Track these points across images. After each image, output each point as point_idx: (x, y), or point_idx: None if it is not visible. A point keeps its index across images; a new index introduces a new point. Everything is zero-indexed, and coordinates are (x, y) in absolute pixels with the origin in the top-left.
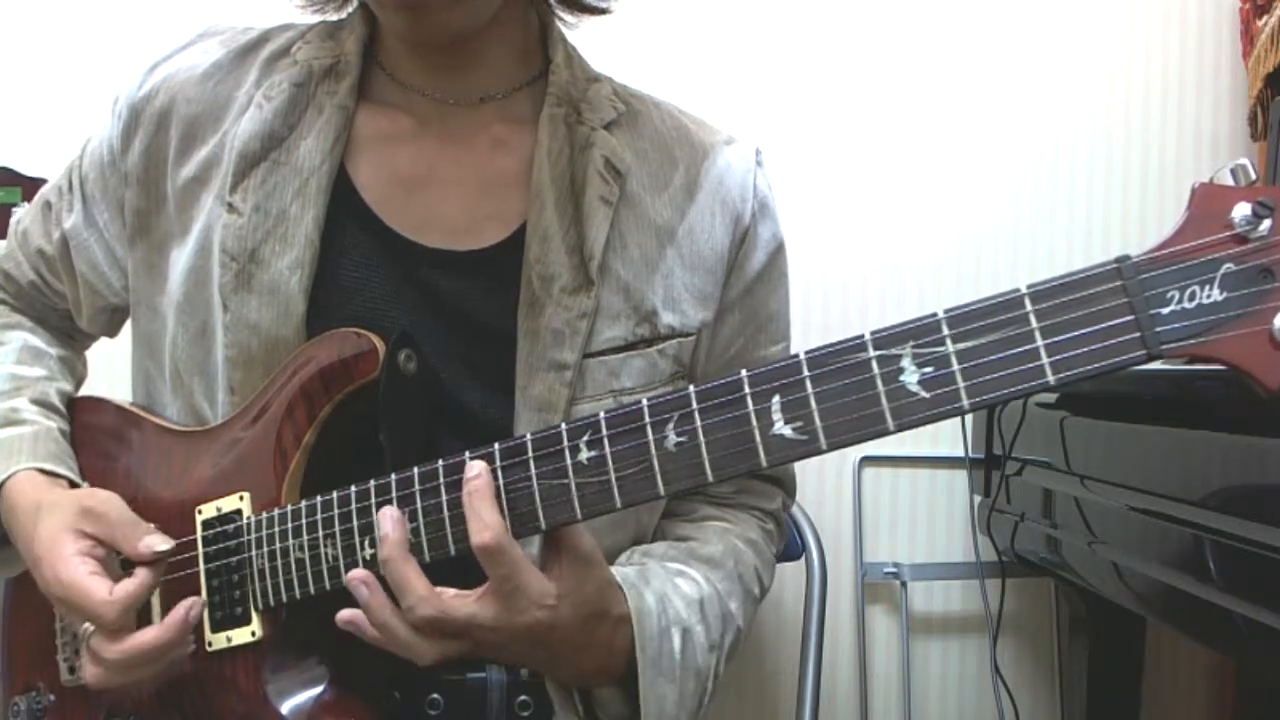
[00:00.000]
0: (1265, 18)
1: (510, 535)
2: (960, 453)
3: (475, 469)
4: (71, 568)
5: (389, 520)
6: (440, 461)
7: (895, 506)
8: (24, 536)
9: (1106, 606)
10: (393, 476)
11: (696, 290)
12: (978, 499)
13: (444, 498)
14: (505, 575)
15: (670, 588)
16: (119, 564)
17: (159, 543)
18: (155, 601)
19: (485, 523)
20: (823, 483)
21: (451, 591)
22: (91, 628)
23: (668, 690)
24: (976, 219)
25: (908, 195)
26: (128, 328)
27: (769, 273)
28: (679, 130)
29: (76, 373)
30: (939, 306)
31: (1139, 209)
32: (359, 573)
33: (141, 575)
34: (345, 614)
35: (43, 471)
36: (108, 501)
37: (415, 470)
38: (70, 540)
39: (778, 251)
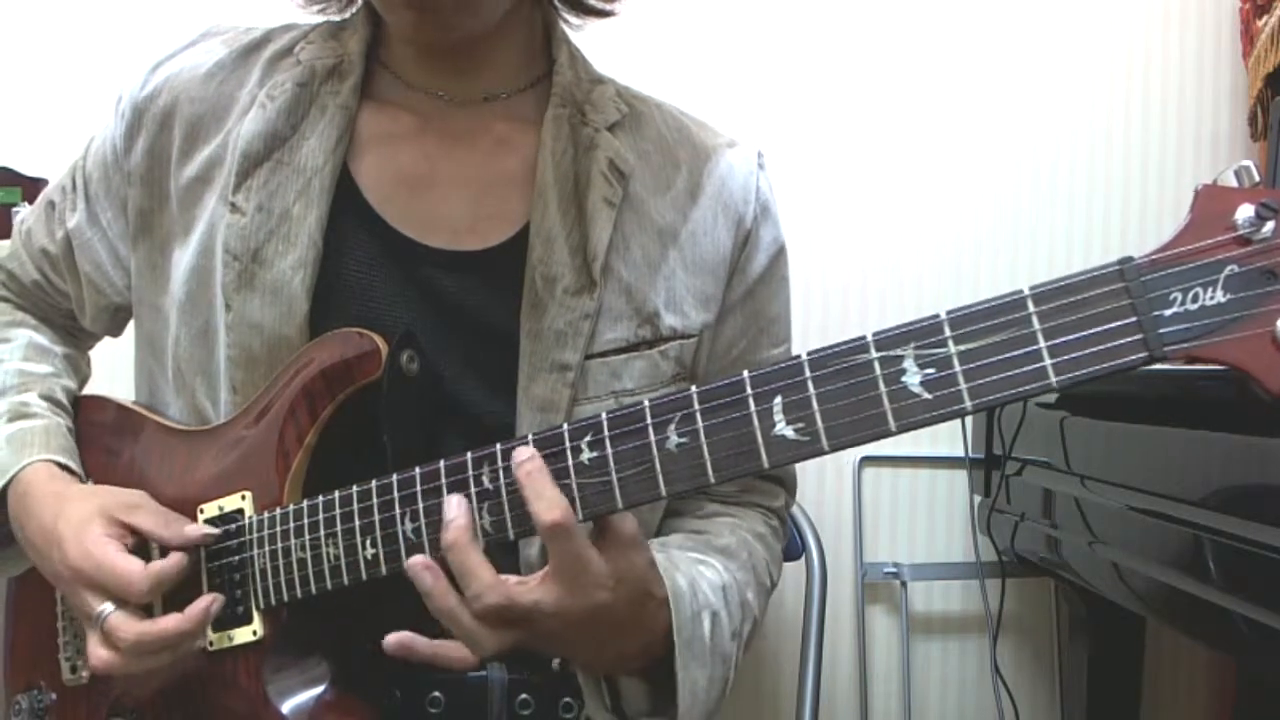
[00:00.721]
0: (1265, 18)
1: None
2: (960, 453)
3: (526, 453)
4: (102, 545)
5: (455, 506)
6: (442, 462)
7: (895, 506)
8: (40, 522)
9: (1106, 606)
10: (394, 476)
11: (698, 292)
12: (978, 499)
13: (445, 498)
14: (575, 553)
15: (696, 573)
16: None
17: (205, 526)
18: (155, 601)
19: (552, 500)
20: (823, 483)
21: (514, 578)
22: (104, 612)
23: (699, 674)
24: (976, 219)
25: (908, 196)
26: (131, 327)
27: (770, 275)
28: (681, 132)
29: (81, 371)
30: (939, 307)
31: (1139, 209)
32: (421, 559)
33: (176, 558)
34: (394, 638)
35: (57, 464)
36: (143, 496)
37: (417, 470)
38: (101, 525)
39: (779, 254)
